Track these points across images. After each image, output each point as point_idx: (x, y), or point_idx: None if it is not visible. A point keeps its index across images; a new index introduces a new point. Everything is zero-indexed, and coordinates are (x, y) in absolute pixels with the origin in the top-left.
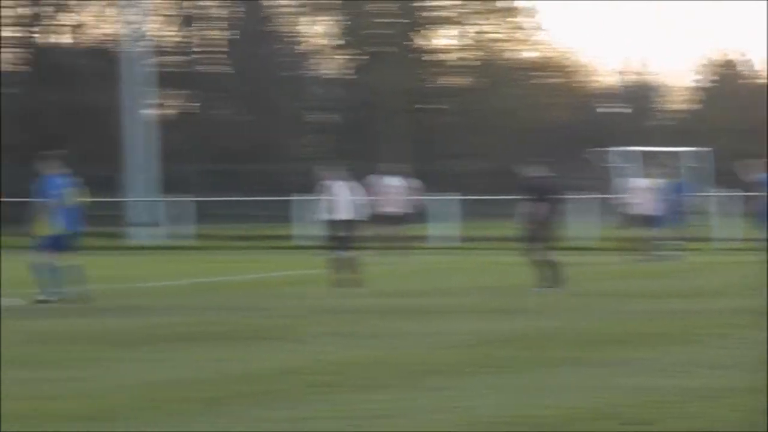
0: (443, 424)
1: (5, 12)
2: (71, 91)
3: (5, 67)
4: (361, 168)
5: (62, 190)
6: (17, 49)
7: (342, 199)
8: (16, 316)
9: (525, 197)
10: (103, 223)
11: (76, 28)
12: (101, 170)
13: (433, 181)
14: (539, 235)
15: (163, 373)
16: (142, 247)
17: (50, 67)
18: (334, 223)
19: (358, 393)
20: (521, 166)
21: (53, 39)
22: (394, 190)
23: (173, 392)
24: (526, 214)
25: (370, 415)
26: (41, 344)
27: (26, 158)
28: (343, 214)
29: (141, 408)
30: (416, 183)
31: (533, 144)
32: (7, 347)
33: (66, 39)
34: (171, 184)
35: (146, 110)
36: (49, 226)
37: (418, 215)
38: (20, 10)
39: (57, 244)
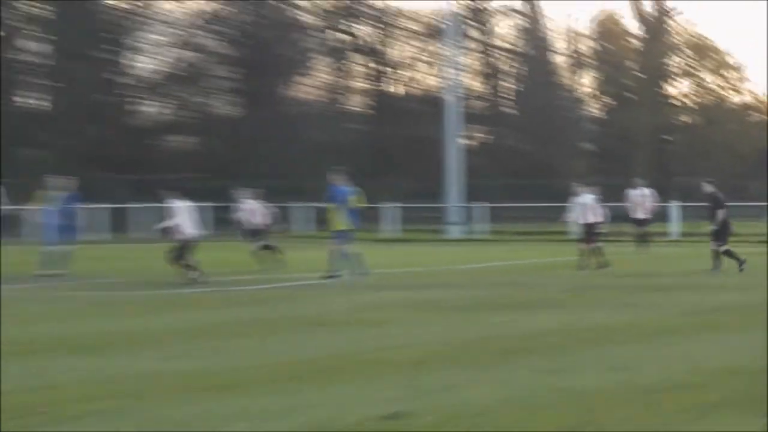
0: (674, 372)
1: (359, 68)
2: (405, 127)
3: (357, 110)
4: (614, 184)
5: (348, 197)
6: (365, 97)
7: (590, 205)
8: (355, 288)
9: (707, 206)
10: (427, 222)
11: (409, 80)
12: (426, 184)
13: (669, 192)
14: (720, 233)
15: (467, 332)
16: (455, 240)
17: (389, 109)
18: (585, 223)
19: (610, 347)
20: (703, 184)
21: (392, 89)
22: (642, 198)
23: (475, 345)
24: (710, 218)
25: (620, 364)
26: (375, 310)
27: (372, 176)
28: (591, 217)
29: (451, 357)
30: (656, 194)
31: (746, 165)
32: (355, 312)
33: (401, 89)
34: (474, 194)
35: (459, 140)
36: (340, 224)
37: (658, 217)
38: (369, 68)
39: (345, 236)
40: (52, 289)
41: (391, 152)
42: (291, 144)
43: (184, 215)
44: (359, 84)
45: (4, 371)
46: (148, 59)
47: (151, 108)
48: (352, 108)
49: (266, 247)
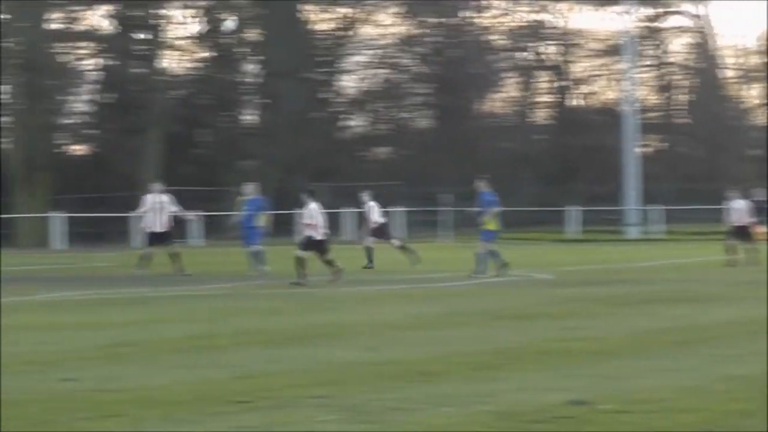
0: None
1: (544, 84)
2: (585, 137)
3: (539, 121)
4: None
5: (493, 201)
6: (549, 110)
7: (738, 208)
8: (540, 285)
9: None
10: (607, 223)
11: (589, 94)
12: (605, 189)
13: None
14: None
15: (644, 324)
16: (632, 240)
17: (571, 121)
18: (739, 225)
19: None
20: None
21: (574, 102)
22: None
23: (651, 337)
24: None
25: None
26: (558, 305)
27: (555, 182)
28: (738, 218)
29: (629, 347)
30: None
31: None
32: (541, 306)
33: (582, 102)
34: (650, 197)
35: (635, 148)
36: (489, 224)
37: None
38: (553, 84)
39: (493, 236)
40: (256, 287)
41: (573, 160)
42: (481, 153)
43: (320, 217)
44: (544, 99)
45: (220, 361)
46: (351, 78)
47: (353, 122)
48: (538, 120)
49: (370, 250)
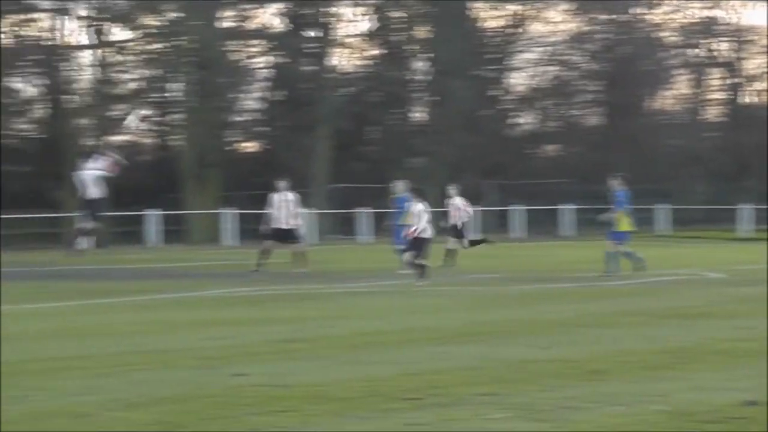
0: None
1: (715, 81)
2: (759, 133)
3: (711, 118)
4: None
5: (628, 200)
6: (721, 107)
7: None
8: (713, 284)
9: None
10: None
11: (761, 91)
12: None
13: None
14: None
15: None
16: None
17: (744, 118)
18: None
19: None
20: None
21: (747, 99)
22: None
23: None
24: None
25: None
26: (730, 303)
27: (727, 179)
28: None
29: None
30: None
31: None
32: (713, 305)
33: (755, 99)
34: None
35: None
36: (625, 225)
37: None
38: (725, 81)
39: (627, 237)
40: (425, 284)
41: (746, 157)
42: (652, 150)
43: (423, 217)
44: (716, 96)
45: (389, 358)
46: (520, 75)
47: (522, 119)
48: (709, 118)
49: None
